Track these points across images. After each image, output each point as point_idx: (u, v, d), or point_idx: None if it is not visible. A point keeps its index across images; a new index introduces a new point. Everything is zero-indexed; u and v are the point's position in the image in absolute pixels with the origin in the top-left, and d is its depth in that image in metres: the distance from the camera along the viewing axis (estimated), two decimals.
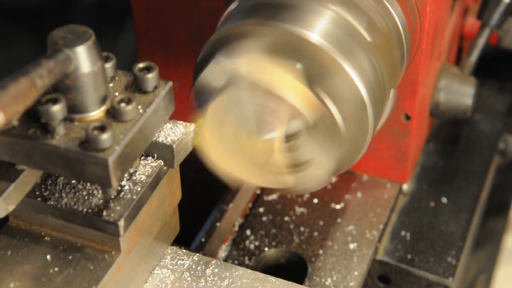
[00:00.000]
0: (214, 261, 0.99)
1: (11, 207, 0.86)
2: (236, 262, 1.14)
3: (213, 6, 1.25)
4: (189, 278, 0.97)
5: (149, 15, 1.32)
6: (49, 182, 0.91)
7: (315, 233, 1.17)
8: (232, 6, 0.99)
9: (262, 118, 0.91)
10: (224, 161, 0.94)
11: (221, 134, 0.93)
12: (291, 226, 1.19)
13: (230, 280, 0.96)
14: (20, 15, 2.07)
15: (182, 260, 0.99)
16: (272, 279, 0.97)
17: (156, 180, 0.91)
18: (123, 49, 1.94)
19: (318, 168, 0.94)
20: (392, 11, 1.02)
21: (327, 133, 0.92)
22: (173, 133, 0.92)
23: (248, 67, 0.90)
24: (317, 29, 0.92)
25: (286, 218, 1.20)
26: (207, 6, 1.26)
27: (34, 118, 0.84)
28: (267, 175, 0.95)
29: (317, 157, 0.93)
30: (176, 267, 0.99)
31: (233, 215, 1.21)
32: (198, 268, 0.98)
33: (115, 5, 2.06)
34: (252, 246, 1.16)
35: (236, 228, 1.19)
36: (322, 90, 0.91)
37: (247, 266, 1.13)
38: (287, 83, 0.89)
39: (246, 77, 0.89)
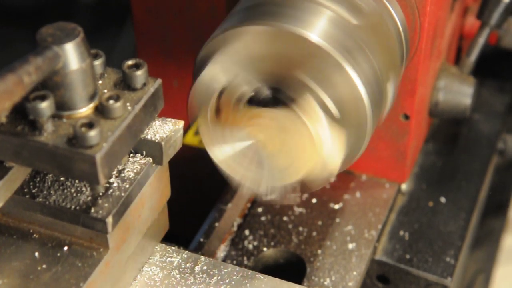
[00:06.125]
0: (203, 258, 0.99)
1: None
2: (234, 262, 1.14)
3: (213, 6, 1.25)
4: (178, 276, 0.97)
5: (149, 15, 1.32)
6: (38, 179, 0.91)
7: (314, 233, 1.17)
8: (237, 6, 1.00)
9: None
10: (232, 162, 0.95)
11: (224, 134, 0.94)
12: (290, 226, 1.19)
13: (219, 277, 0.97)
14: (20, 15, 2.07)
15: (171, 257, 1.00)
16: (260, 276, 0.97)
17: (144, 177, 0.91)
18: (123, 49, 1.94)
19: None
20: (392, 11, 1.02)
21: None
22: (162, 130, 0.92)
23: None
24: (316, 29, 0.92)
25: (285, 218, 1.20)
26: (207, 6, 1.26)
27: (22, 115, 0.84)
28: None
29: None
30: (165, 264, 0.99)
31: (232, 215, 1.21)
32: (187, 265, 0.98)
33: (115, 5, 2.06)
34: (250, 246, 1.16)
35: (235, 228, 1.19)
36: (321, 89, 0.91)
37: (246, 266, 1.13)
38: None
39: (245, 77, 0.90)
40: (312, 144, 0.90)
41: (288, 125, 0.90)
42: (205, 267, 0.98)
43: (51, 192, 0.89)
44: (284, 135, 0.91)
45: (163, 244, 1.01)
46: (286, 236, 1.17)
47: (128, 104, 0.86)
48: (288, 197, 0.95)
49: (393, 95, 1.02)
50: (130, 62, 0.88)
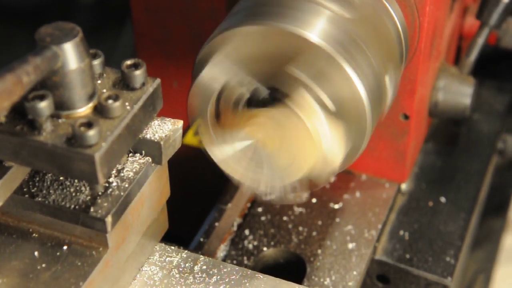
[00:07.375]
0: (202, 258, 0.99)
1: None
2: (234, 262, 1.14)
3: (213, 6, 1.25)
4: (177, 275, 0.97)
5: (149, 15, 1.32)
6: (37, 178, 0.91)
7: (314, 233, 1.17)
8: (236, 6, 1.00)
9: None
10: (232, 162, 0.95)
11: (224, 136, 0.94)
12: (290, 226, 1.19)
13: (218, 277, 0.97)
14: (20, 15, 2.07)
15: (171, 257, 1.00)
16: (260, 275, 0.97)
17: (144, 176, 0.91)
18: (123, 49, 1.94)
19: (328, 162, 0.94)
20: (391, 10, 1.02)
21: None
22: (161, 130, 0.92)
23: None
24: (315, 28, 0.92)
25: (285, 218, 1.20)
26: (207, 6, 1.26)
27: (21, 115, 0.84)
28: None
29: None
30: (164, 264, 0.99)
31: (232, 215, 1.21)
32: (187, 265, 0.99)
33: (115, 5, 2.06)
34: (250, 246, 1.16)
35: (235, 228, 1.19)
36: (320, 87, 0.91)
37: (246, 266, 1.13)
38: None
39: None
40: (311, 140, 0.90)
41: (285, 122, 0.90)
42: (204, 267, 0.98)
43: (51, 191, 0.89)
44: (283, 133, 0.91)
45: (163, 244, 1.02)
46: (286, 236, 1.17)
47: (127, 103, 0.86)
48: (288, 197, 0.95)
49: (394, 89, 1.01)
50: (129, 62, 0.88)
